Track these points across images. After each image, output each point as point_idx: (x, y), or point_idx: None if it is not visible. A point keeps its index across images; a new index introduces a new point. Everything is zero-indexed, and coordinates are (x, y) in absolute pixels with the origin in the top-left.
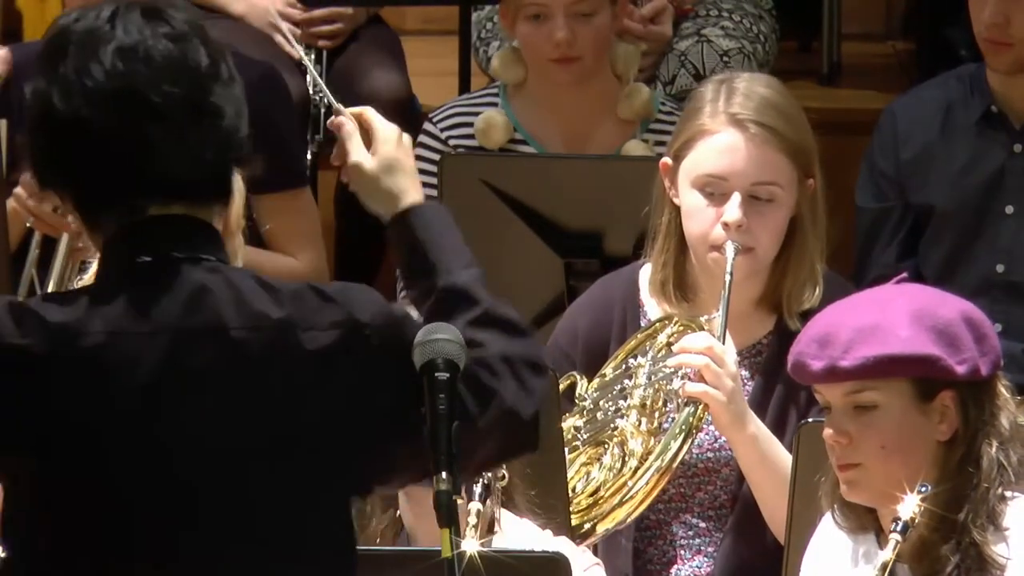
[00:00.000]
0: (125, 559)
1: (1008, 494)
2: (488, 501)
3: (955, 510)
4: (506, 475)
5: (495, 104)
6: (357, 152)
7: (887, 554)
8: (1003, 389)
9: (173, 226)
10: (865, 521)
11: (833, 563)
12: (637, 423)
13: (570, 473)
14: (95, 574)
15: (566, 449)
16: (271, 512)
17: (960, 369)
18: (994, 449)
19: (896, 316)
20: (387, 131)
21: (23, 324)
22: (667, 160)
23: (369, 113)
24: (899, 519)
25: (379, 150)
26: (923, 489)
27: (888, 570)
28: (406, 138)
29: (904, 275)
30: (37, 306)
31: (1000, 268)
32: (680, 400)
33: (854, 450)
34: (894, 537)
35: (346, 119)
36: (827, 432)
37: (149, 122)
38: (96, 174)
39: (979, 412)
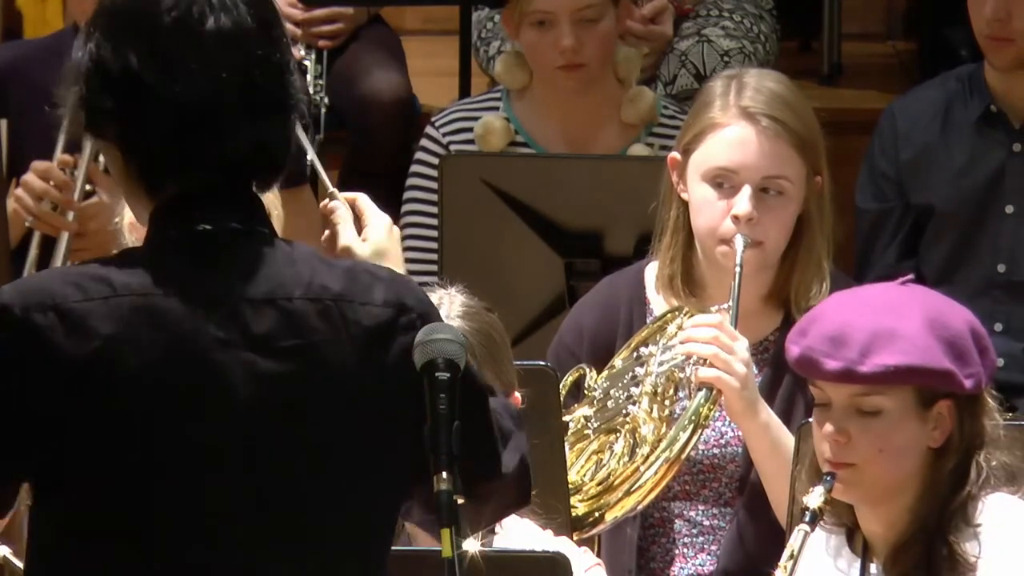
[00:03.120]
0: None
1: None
2: None
3: (936, 513)
4: None
5: (497, 108)
6: (347, 236)
7: (796, 543)
8: (989, 398)
9: (233, 198)
10: (844, 518)
11: (810, 559)
12: (649, 409)
13: (581, 461)
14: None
15: (577, 439)
16: (313, 487)
17: (968, 383)
18: (982, 457)
19: (912, 324)
20: (379, 219)
21: (86, 289)
22: (675, 155)
23: (362, 201)
24: (807, 509)
25: (369, 236)
26: (828, 480)
27: (796, 561)
28: (396, 229)
29: (911, 276)
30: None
31: (1001, 268)
32: (692, 387)
33: (851, 450)
34: (803, 528)
35: (339, 204)
36: (827, 429)
37: (233, 108)
38: (170, 144)
39: (973, 423)
